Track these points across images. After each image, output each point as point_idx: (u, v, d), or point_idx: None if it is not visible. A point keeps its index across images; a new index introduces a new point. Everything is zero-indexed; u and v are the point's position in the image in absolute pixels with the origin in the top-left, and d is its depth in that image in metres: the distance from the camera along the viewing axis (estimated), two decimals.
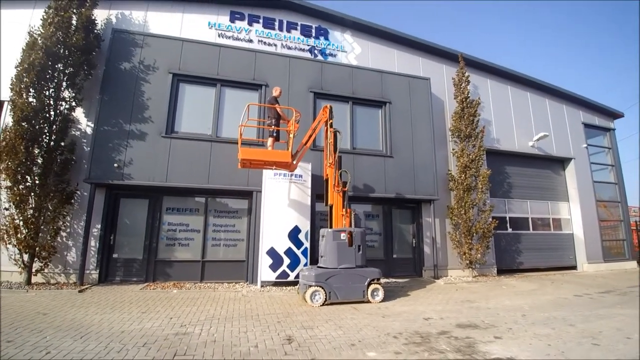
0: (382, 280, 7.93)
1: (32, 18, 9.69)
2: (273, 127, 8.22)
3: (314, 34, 12.04)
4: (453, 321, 6.06)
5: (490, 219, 11.60)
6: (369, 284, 7.44)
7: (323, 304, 7.03)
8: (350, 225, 7.95)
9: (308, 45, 11.88)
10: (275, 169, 8.70)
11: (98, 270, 8.85)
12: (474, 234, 11.31)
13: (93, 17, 9.55)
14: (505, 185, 13.77)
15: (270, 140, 8.23)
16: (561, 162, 15.26)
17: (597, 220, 14.82)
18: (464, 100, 12.31)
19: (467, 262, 11.22)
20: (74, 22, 8.99)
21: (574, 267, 14.16)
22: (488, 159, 12.87)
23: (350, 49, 12.37)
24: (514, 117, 14.22)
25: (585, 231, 14.27)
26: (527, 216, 13.95)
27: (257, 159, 7.91)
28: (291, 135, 7.93)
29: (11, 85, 8.18)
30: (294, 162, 8.30)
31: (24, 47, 8.41)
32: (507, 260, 12.98)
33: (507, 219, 13.47)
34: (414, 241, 11.67)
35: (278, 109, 8.30)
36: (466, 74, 12.66)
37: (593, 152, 15.82)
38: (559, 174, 15.17)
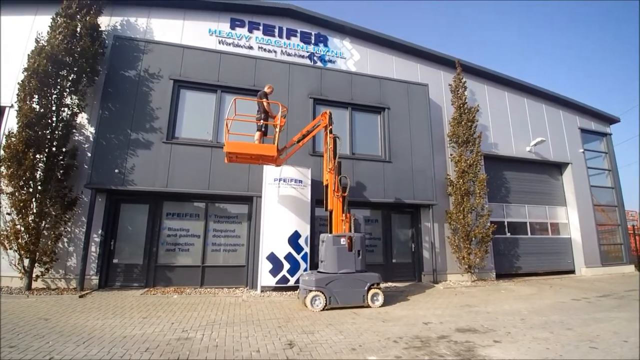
0: (382, 285, 7.96)
1: (34, 24, 9.80)
2: (261, 121, 8.23)
3: (313, 41, 12.17)
4: (452, 325, 6.10)
5: (489, 224, 11.69)
6: (369, 289, 7.48)
7: (323, 309, 7.06)
8: (350, 230, 8.00)
9: (307, 52, 12.01)
10: (261, 163, 8.67)
11: (98, 276, 8.88)
12: (473, 239, 11.38)
13: (98, 24, 9.65)
14: (503, 190, 13.86)
15: (257, 135, 8.21)
16: (558, 167, 15.38)
17: (595, 224, 14.91)
18: (461, 106, 12.44)
19: (466, 266, 11.27)
20: (79, 29, 9.08)
21: (572, 272, 14.23)
22: (486, 164, 12.98)
23: (349, 56, 12.50)
24: (511, 123, 14.36)
25: (583, 235, 14.36)
26: (525, 221, 14.04)
27: (242, 152, 7.87)
28: (276, 130, 7.96)
29: (18, 91, 8.26)
30: (281, 157, 8.35)
31: (30, 54, 8.48)
32: (505, 265, 13.04)
33: (506, 223, 13.56)
34: (413, 246, 11.72)
35: (265, 104, 8.30)
36: (463, 80, 12.80)
37: (590, 157, 15.95)
38: (557, 179, 15.28)
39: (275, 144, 7.85)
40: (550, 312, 7.34)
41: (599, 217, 15.37)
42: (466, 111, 12.40)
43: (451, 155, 12.53)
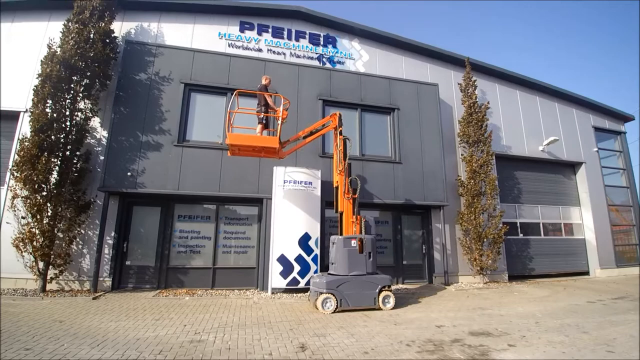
0: (393, 287, 7.92)
1: (47, 30, 9.96)
2: (262, 114, 8.22)
3: (322, 42, 12.17)
4: (466, 329, 6.04)
5: (501, 225, 11.53)
6: (380, 291, 7.45)
7: (334, 311, 7.05)
8: (361, 232, 7.97)
9: (316, 54, 12.01)
10: (264, 156, 8.69)
11: (111, 278, 8.99)
12: (485, 240, 11.25)
13: (111, 30, 9.77)
14: (515, 191, 13.69)
15: (259, 128, 8.21)
16: (572, 167, 15.13)
17: (609, 225, 14.63)
18: (471, 105, 12.31)
19: (478, 268, 11.15)
20: (92, 35, 9.19)
21: (586, 273, 13.99)
22: (498, 165, 12.84)
23: (358, 57, 12.47)
24: (523, 122, 14.17)
25: (597, 236, 14.11)
26: (538, 221, 13.83)
27: (244, 144, 7.90)
28: (279, 122, 7.95)
29: (33, 97, 8.37)
30: (284, 150, 8.39)
31: (43, 60, 8.61)
32: (518, 266, 12.87)
33: (518, 224, 13.38)
34: (423, 247, 11.63)
35: (267, 97, 8.29)
36: (473, 79, 12.67)
37: (604, 156, 15.68)
38: (570, 179, 15.04)
39: (278, 136, 7.87)
40: (564, 314, 7.23)
41: (614, 217, 15.08)
42: (476, 110, 12.28)
43: (462, 155, 12.41)
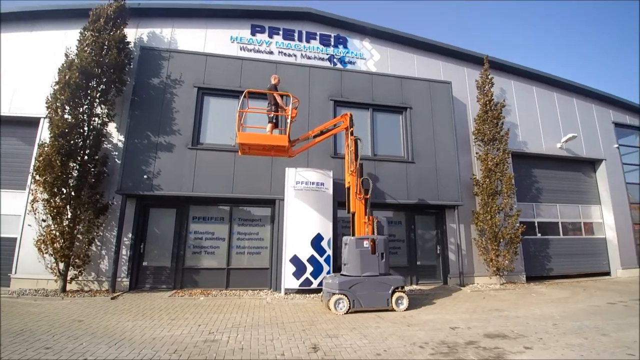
0: (406, 288, 7.86)
1: (66, 38, 10.21)
2: (272, 113, 8.26)
3: (332, 43, 12.18)
4: (481, 331, 5.96)
5: (518, 224, 11.31)
6: (393, 292, 7.40)
7: (347, 312, 7.04)
8: (373, 233, 7.94)
9: (327, 54, 12.02)
10: (274, 154, 8.77)
11: (129, 278, 9.19)
12: (501, 240, 11.05)
13: (124, 35, 9.96)
14: (533, 189, 13.41)
15: (269, 127, 8.25)
16: (592, 164, 14.74)
17: (631, 223, 14.20)
18: (487, 102, 12.11)
19: (494, 269, 10.96)
20: (107, 42, 9.42)
21: (607, 273, 13.61)
22: (514, 163, 12.61)
23: (369, 56, 12.43)
24: (540, 119, 13.87)
25: (619, 235, 13.71)
26: (557, 220, 13.52)
27: (254, 143, 7.98)
28: (288, 121, 7.98)
29: (47, 103, 8.63)
30: (293, 149, 8.43)
31: (60, 68, 8.86)
32: (536, 267, 12.61)
33: (536, 223, 13.11)
34: (438, 248, 11.50)
35: (276, 96, 8.32)
36: (490, 76, 12.45)
37: (625, 153, 15.24)
38: (590, 176, 14.66)
39: (287, 134, 7.91)
40: (584, 316, 7.05)
41: (635, 215, 14.63)
42: (492, 108, 12.07)
43: (477, 153, 12.22)
